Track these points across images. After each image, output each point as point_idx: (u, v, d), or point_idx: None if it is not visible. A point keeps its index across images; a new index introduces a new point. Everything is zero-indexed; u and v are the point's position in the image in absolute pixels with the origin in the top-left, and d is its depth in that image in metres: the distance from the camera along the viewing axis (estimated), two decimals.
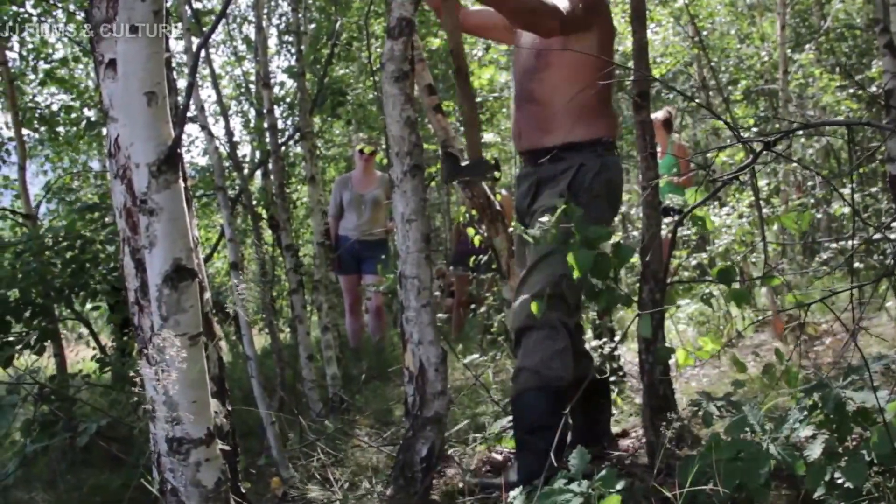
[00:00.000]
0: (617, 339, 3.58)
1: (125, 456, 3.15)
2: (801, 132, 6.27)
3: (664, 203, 4.09)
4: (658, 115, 6.03)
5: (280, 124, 7.64)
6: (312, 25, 7.92)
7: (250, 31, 9.53)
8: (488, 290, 5.26)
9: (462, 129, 3.40)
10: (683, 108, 10.18)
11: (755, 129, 7.79)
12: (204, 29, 4.61)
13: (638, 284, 2.69)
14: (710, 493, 1.80)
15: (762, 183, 6.37)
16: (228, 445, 1.96)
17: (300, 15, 5.91)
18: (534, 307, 2.29)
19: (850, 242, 4.31)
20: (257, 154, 8.03)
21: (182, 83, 3.62)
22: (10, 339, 3.80)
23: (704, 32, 8.73)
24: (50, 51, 7.08)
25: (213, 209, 8.48)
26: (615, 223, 5.97)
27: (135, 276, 1.93)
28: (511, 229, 3.36)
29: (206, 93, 13.38)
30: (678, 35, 8.30)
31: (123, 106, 1.78)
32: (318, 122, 8.20)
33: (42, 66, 6.93)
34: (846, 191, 5.03)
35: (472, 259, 4.19)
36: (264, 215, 6.19)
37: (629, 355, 4.33)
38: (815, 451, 1.80)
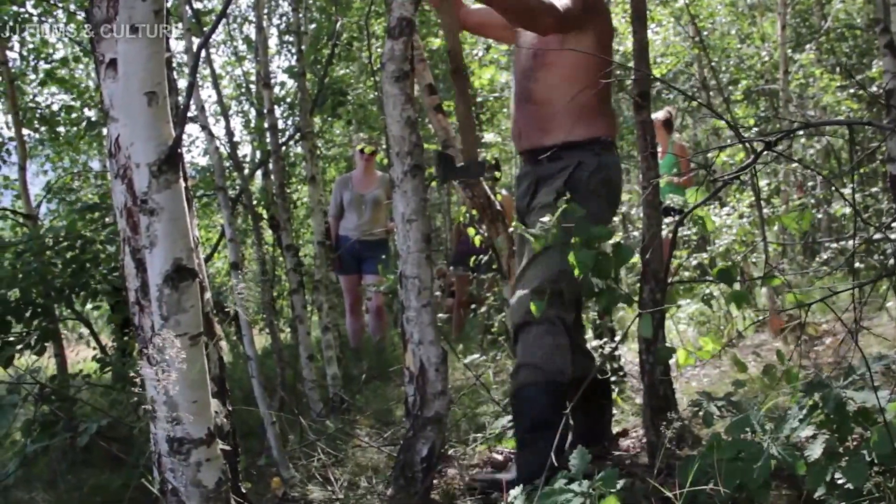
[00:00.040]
0: (617, 339, 3.58)
1: (126, 456, 3.15)
2: (801, 132, 6.27)
3: (665, 203, 4.09)
4: (658, 115, 6.02)
5: (280, 124, 7.65)
6: (313, 25, 7.93)
7: (251, 31, 9.55)
8: (489, 290, 5.26)
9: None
10: (684, 108, 10.18)
11: (756, 129, 7.79)
12: (204, 29, 4.61)
13: (638, 284, 2.69)
14: (711, 493, 1.80)
15: (763, 183, 6.38)
16: (229, 445, 1.96)
17: (301, 15, 5.91)
18: (533, 308, 2.29)
19: (850, 242, 4.31)
20: (258, 154, 8.04)
21: (182, 83, 3.62)
22: (11, 339, 3.80)
23: (705, 32, 8.73)
24: (50, 51, 7.08)
25: (214, 209, 8.48)
26: (615, 223, 5.98)
27: (135, 276, 1.93)
28: (511, 229, 3.36)
29: (207, 93, 13.39)
30: (679, 35, 8.30)
31: (124, 106, 1.78)
32: (319, 122, 8.21)
33: (42, 66, 6.92)
34: (847, 191, 5.03)
35: (473, 259, 4.18)
36: (265, 215, 6.18)
37: (630, 355, 4.33)
38: (815, 452, 1.80)
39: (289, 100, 7.82)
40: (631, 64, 2.72)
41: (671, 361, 2.66)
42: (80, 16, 6.07)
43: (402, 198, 2.36)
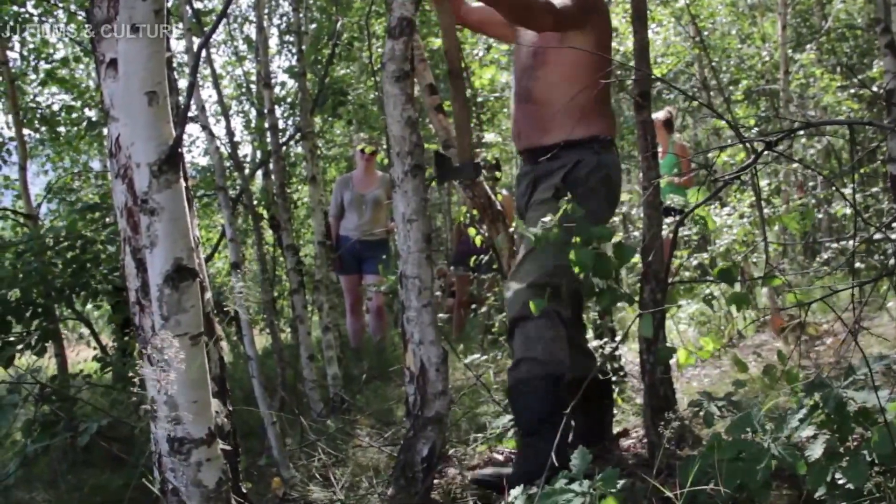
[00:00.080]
0: (618, 339, 3.58)
1: (126, 456, 3.15)
2: (802, 132, 6.27)
3: (665, 203, 4.09)
4: (659, 115, 6.02)
5: (281, 124, 7.65)
6: (313, 25, 7.93)
7: (251, 31, 9.56)
8: (489, 290, 5.26)
9: None
10: (684, 108, 10.18)
11: (756, 129, 7.79)
12: (205, 29, 4.61)
13: (639, 284, 2.69)
14: (711, 493, 1.80)
15: (763, 183, 6.38)
16: (229, 445, 1.96)
17: (301, 15, 5.91)
18: (533, 306, 2.29)
19: (850, 242, 4.31)
20: (258, 154, 8.05)
21: (183, 83, 3.62)
22: (11, 339, 3.80)
23: (705, 32, 8.73)
24: (51, 51, 7.08)
25: (214, 209, 8.48)
26: (616, 223, 5.98)
27: (136, 276, 1.93)
28: (512, 229, 3.36)
29: (207, 93, 13.41)
30: (679, 35, 8.31)
31: (124, 105, 1.78)
32: (319, 122, 8.21)
33: (43, 66, 6.92)
34: (847, 191, 5.03)
35: (473, 259, 4.18)
36: (265, 215, 6.19)
37: (630, 355, 4.33)
38: (816, 452, 1.80)
39: (289, 100, 7.82)
40: (631, 64, 2.72)
41: (672, 361, 2.66)
42: (81, 16, 6.08)
43: (403, 198, 2.36)
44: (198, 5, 7.06)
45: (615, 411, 3.10)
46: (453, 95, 2.63)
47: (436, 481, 2.50)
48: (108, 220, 4.22)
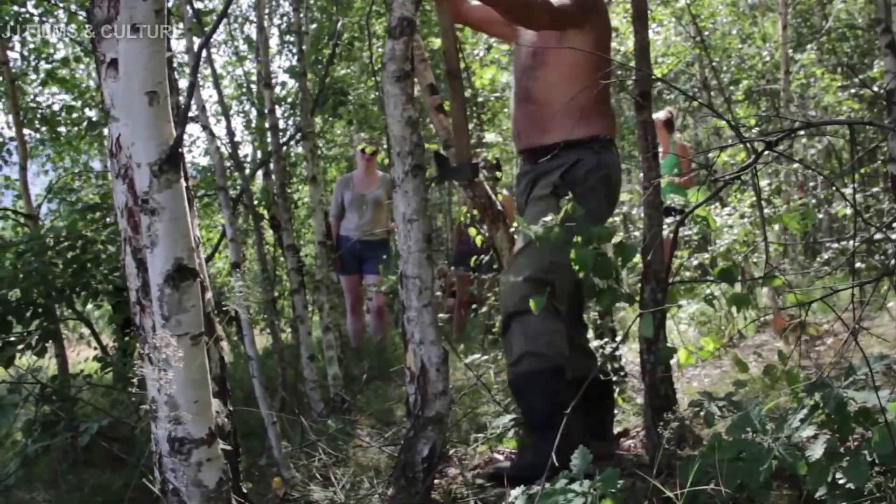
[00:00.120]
0: (618, 339, 3.57)
1: (126, 456, 3.15)
2: (802, 132, 6.27)
3: (666, 203, 4.09)
4: (659, 115, 6.02)
5: (281, 124, 7.64)
6: (314, 25, 7.92)
7: (252, 31, 9.54)
8: (490, 290, 5.26)
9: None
10: (685, 108, 10.17)
11: (757, 129, 7.78)
12: (205, 29, 4.61)
13: (639, 284, 2.69)
14: (712, 493, 1.80)
15: (764, 183, 6.38)
16: (230, 445, 1.96)
17: (301, 15, 5.91)
18: (533, 305, 2.29)
19: (851, 242, 4.30)
20: (259, 154, 8.04)
21: (183, 83, 3.61)
22: (12, 339, 3.80)
23: (706, 32, 8.73)
24: (51, 51, 7.08)
25: (215, 209, 8.48)
26: (616, 223, 5.98)
27: (136, 276, 1.93)
28: (512, 229, 3.36)
29: (208, 93, 13.43)
30: (680, 35, 8.31)
31: (125, 105, 1.78)
32: (320, 122, 8.20)
33: (43, 66, 6.92)
34: (847, 191, 5.03)
35: (474, 259, 4.18)
36: (266, 215, 6.19)
37: (631, 355, 4.33)
38: (816, 452, 1.80)
39: (290, 100, 7.82)
40: (632, 64, 2.72)
41: (672, 361, 2.66)
42: (81, 16, 6.07)
43: (403, 198, 2.36)
44: (198, 5, 7.06)
45: (616, 411, 3.10)
46: (451, 96, 2.63)
47: (436, 481, 2.50)
48: (108, 220, 4.22)
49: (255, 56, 8.16)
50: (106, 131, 2.10)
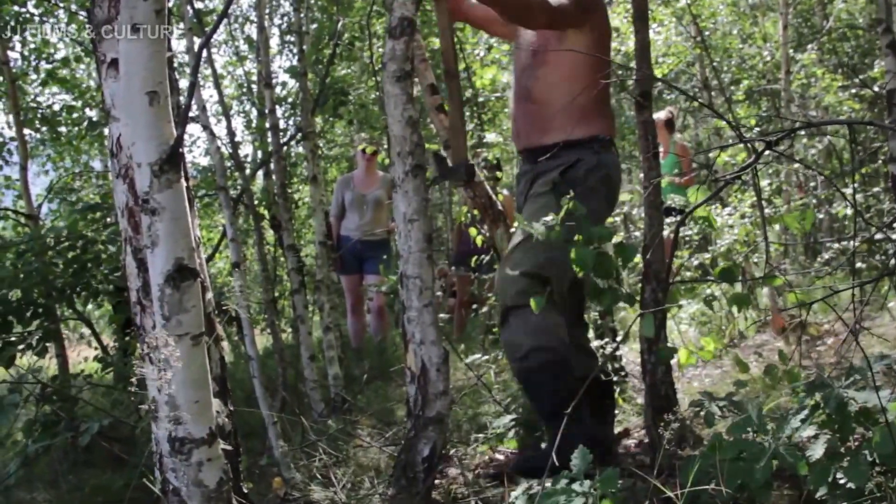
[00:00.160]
0: (619, 339, 3.57)
1: (127, 456, 3.16)
2: (803, 132, 6.27)
3: (666, 203, 4.09)
4: (660, 115, 6.02)
5: (282, 124, 7.63)
6: (314, 25, 7.92)
7: (252, 31, 9.53)
8: (490, 290, 5.26)
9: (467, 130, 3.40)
10: (685, 108, 10.18)
11: (757, 129, 7.78)
12: (206, 29, 4.61)
13: (640, 284, 2.69)
14: (713, 493, 1.80)
15: (764, 183, 6.38)
16: (230, 445, 1.96)
17: (302, 15, 5.92)
18: (534, 304, 2.29)
19: (851, 242, 4.31)
20: (259, 154, 8.04)
21: (184, 83, 3.62)
22: (13, 338, 3.80)
23: (706, 32, 8.73)
24: (52, 51, 7.07)
25: (215, 209, 8.47)
26: (616, 223, 5.98)
27: (137, 276, 1.93)
28: (512, 230, 3.36)
29: (208, 93, 13.42)
30: (680, 35, 8.30)
31: (125, 105, 1.78)
32: (320, 122, 8.20)
33: (44, 66, 6.91)
34: (848, 191, 5.03)
35: (474, 259, 4.19)
36: (266, 215, 6.19)
37: (631, 355, 4.32)
38: (817, 452, 1.80)
39: (290, 100, 7.81)
40: (633, 64, 2.72)
41: (673, 361, 2.66)
42: (82, 16, 6.07)
43: (404, 198, 2.36)
44: (199, 5, 7.06)
45: (616, 411, 3.10)
46: (449, 96, 2.63)
47: (437, 481, 2.50)
48: (109, 220, 4.22)
49: (256, 56, 8.16)
50: (106, 131, 2.10)
